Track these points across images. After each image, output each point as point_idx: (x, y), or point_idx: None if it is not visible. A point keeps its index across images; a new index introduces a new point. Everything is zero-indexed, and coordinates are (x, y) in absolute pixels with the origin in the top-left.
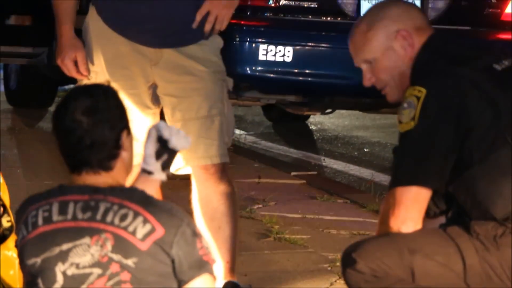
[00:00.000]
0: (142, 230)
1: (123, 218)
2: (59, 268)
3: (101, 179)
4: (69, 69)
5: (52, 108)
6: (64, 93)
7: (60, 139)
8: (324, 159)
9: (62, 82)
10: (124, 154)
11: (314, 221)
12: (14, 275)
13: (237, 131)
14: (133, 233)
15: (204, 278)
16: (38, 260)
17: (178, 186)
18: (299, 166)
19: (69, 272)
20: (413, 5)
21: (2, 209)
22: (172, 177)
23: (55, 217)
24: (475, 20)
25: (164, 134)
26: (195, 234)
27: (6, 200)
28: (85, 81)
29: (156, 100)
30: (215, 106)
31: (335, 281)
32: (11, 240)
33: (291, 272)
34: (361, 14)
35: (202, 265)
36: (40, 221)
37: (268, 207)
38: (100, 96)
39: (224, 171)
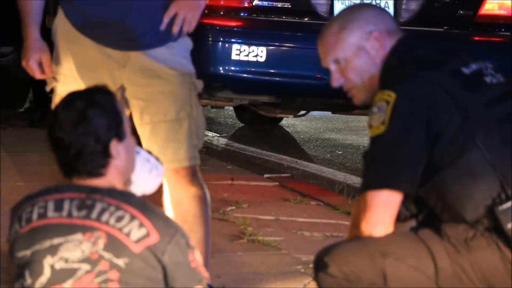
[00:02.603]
0: (137, 233)
1: (119, 219)
2: (48, 261)
3: (94, 183)
4: (33, 71)
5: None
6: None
7: (51, 146)
8: (297, 162)
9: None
10: (116, 162)
11: (287, 223)
12: None
13: (210, 133)
14: (128, 234)
15: None
16: (28, 252)
17: None
18: (272, 168)
19: (57, 266)
20: (384, 9)
21: None
22: None
23: (50, 213)
24: (449, 22)
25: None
26: (189, 246)
27: None
28: (53, 83)
29: (125, 103)
30: (183, 109)
31: (308, 283)
32: None
33: (264, 274)
34: (334, 14)
35: (195, 276)
36: (34, 217)
37: (241, 209)
38: (87, 108)
39: (194, 174)
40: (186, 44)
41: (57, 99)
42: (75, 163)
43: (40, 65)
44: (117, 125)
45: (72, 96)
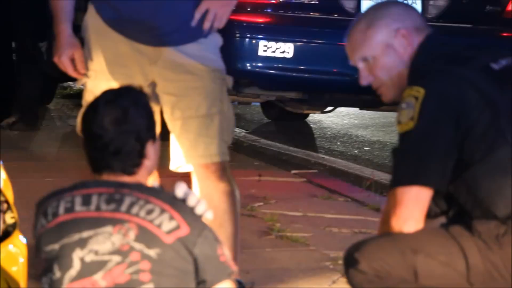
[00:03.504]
0: (168, 225)
1: (149, 212)
2: (77, 254)
3: (123, 180)
4: (66, 67)
5: (51, 106)
6: (63, 90)
7: (86, 142)
8: (324, 158)
9: (62, 79)
10: (147, 162)
11: (315, 219)
12: (17, 271)
13: (237, 129)
14: (159, 226)
15: (226, 285)
16: (56, 246)
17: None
18: (299, 164)
19: (87, 259)
20: (411, 6)
21: (6, 205)
22: (172, 175)
23: (78, 207)
24: (476, 18)
25: (176, 191)
26: (217, 240)
27: (10, 197)
28: (84, 79)
29: (155, 98)
30: (214, 104)
31: (337, 279)
32: (15, 237)
33: (293, 270)
34: (361, 11)
35: (225, 269)
36: (61, 211)
37: (269, 205)
38: (131, 107)
39: (224, 170)
40: (217, 40)
41: (87, 94)
42: (112, 160)
43: (73, 61)
44: (153, 126)
45: (114, 94)
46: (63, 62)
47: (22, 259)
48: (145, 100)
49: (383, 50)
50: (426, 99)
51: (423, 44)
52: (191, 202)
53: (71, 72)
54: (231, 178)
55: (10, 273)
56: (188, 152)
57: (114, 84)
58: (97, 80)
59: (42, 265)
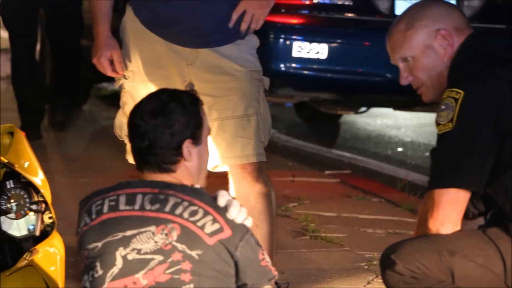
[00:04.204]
0: (211, 227)
1: (193, 214)
2: (120, 253)
3: (164, 179)
4: (104, 68)
5: (85, 107)
6: (97, 91)
7: (129, 134)
8: (357, 158)
9: (96, 80)
10: (187, 163)
11: (349, 220)
12: (56, 271)
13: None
14: (202, 227)
15: None
16: (99, 244)
17: (215, 184)
18: (332, 165)
19: (130, 257)
20: (453, 5)
21: (44, 205)
22: (208, 175)
23: (122, 206)
24: (511, 18)
25: (219, 201)
26: (259, 245)
27: (48, 197)
28: (122, 80)
29: None
30: (251, 105)
31: (372, 279)
32: (53, 237)
33: (327, 271)
34: (395, 11)
35: (266, 273)
36: (105, 209)
37: (303, 206)
38: (170, 102)
39: (260, 170)
40: (254, 41)
41: (125, 95)
42: (147, 154)
43: (111, 62)
44: (195, 127)
45: (159, 90)
46: (102, 63)
47: (60, 259)
48: (189, 100)
49: (423, 51)
50: (466, 101)
51: (463, 45)
52: (232, 212)
53: (109, 73)
54: (267, 179)
55: (48, 272)
56: (225, 152)
57: (152, 85)
58: (135, 81)
59: (84, 262)
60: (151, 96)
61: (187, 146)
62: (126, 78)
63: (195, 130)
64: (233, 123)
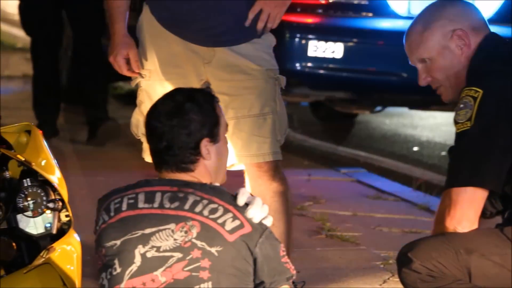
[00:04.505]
0: (231, 224)
1: (213, 211)
2: (139, 250)
3: (183, 178)
4: (120, 67)
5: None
6: (112, 90)
7: (146, 135)
8: (373, 157)
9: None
10: (206, 162)
11: (365, 219)
12: (72, 269)
13: None
14: (222, 225)
15: None
16: (118, 242)
17: (231, 183)
18: (348, 164)
19: (149, 255)
20: (470, 5)
21: (60, 203)
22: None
23: (141, 204)
24: None
25: (239, 200)
26: (278, 241)
27: (65, 195)
28: (138, 79)
29: None
30: (267, 104)
31: (388, 278)
32: (70, 235)
33: (343, 269)
34: (411, 11)
35: (284, 272)
36: (124, 207)
37: (319, 205)
38: (185, 102)
39: (276, 169)
40: (270, 40)
41: (141, 94)
42: (165, 154)
43: (127, 61)
44: (212, 126)
45: (174, 90)
46: (118, 61)
47: (77, 257)
48: (205, 98)
49: (440, 51)
50: (484, 99)
51: (481, 45)
52: (251, 211)
53: (125, 72)
54: (283, 178)
55: (65, 270)
56: (241, 151)
57: (168, 84)
58: (151, 80)
59: (101, 260)
60: (166, 97)
61: (205, 145)
62: (142, 77)
63: (212, 129)
64: (249, 121)
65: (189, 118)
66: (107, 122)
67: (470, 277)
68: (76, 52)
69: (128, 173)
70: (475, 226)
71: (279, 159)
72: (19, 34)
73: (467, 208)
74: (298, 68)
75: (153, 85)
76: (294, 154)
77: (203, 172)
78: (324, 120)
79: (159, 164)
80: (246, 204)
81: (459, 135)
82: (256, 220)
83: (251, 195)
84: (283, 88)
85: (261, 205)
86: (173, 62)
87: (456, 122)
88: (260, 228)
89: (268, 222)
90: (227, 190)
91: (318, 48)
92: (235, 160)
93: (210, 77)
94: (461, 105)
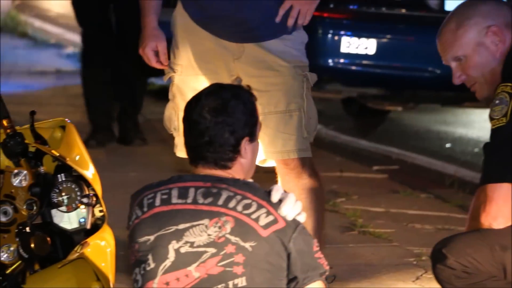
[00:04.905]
0: (265, 219)
1: (247, 207)
2: (173, 246)
3: (218, 174)
4: (149, 59)
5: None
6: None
7: (185, 130)
8: (405, 154)
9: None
10: (242, 160)
11: (397, 215)
12: (106, 264)
13: (318, 126)
14: (256, 220)
15: (317, 285)
16: (151, 237)
17: (262, 178)
18: (380, 160)
19: (183, 250)
20: (502, 2)
21: (94, 199)
22: (256, 170)
23: (174, 200)
24: None
25: (272, 196)
26: (312, 236)
27: (98, 190)
28: (171, 74)
29: None
30: (294, 101)
31: (421, 275)
32: (104, 230)
33: (376, 266)
34: (445, 7)
35: (317, 267)
36: (157, 202)
37: (351, 201)
38: (231, 100)
39: (304, 166)
40: (301, 37)
41: (174, 89)
42: (205, 150)
43: (157, 53)
44: (253, 125)
45: (218, 86)
46: (147, 53)
47: (111, 252)
48: (248, 97)
49: (475, 49)
50: None
51: None
52: (285, 208)
53: (154, 64)
54: (313, 174)
55: (99, 265)
56: (267, 147)
57: (200, 79)
58: (183, 75)
59: (135, 256)
60: (210, 93)
61: (244, 144)
62: (174, 72)
63: (253, 128)
64: (275, 118)
65: (235, 116)
66: (139, 118)
67: (505, 273)
68: (118, 46)
69: (159, 168)
70: (510, 222)
71: (305, 156)
72: (53, 30)
73: (503, 205)
74: (331, 64)
75: (185, 80)
76: (326, 151)
77: (239, 169)
78: (356, 116)
79: (196, 159)
80: (280, 201)
81: (494, 131)
82: (289, 217)
83: (285, 191)
84: (312, 85)
85: (294, 202)
86: (204, 58)
87: (491, 118)
88: (293, 224)
89: (302, 218)
90: (260, 187)
91: (351, 44)
92: (264, 157)
93: (240, 73)
94: (497, 101)
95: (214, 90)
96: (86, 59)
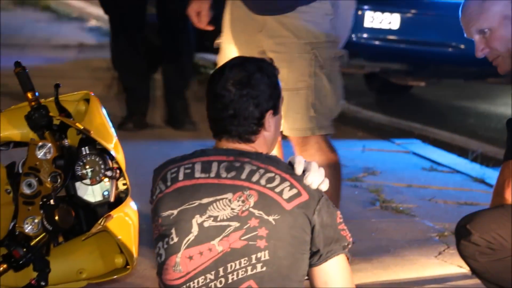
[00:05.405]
0: (289, 192)
1: (270, 180)
2: (196, 220)
3: (241, 148)
4: (192, 19)
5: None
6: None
7: (208, 103)
8: (427, 129)
9: None
10: (266, 133)
11: (420, 191)
12: (129, 237)
13: None
14: (280, 193)
15: (340, 259)
16: (175, 211)
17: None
18: (402, 135)
19: (206, 224)
20: None
21: (118, 172)
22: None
23: (197, 174)
24: None
25: (296, 169)
26: (336, 208)
27: (122, 164)
28: (219, 40)
29: None
30: (301, 79)
31: (444, 250)
32: (127, 203)
33: (398, 241)
34: None
35: (340, 240)
36: (180, 176)
37: (374, 176)
38: (256, 73)
39: (315, 144)
40: (324, 8)
41: (221, 54)
42: (229, 123)
43: (199, 14)
44: (277, 98)
45: (242, 59)
46: (189, 14)
47: (134, 225)
48: (271, 70)
49: (501, 21)
50: None
51: None
52: (309, 178)
53: (196, 24)
54: (328, 151)
55: (122, 238)
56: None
57: (234, 48)
58: (226, 43)
59: (158, 230)
60: (234, 65)
61: (268, 117)
62: (221, 38)
63: (277, 101)
64: (285, 95)
65: (260, 89)
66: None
67: None
68: (161, 30)
69: (181, 142)
70: None
71: (312, 134)
72: (75, 4)
73: None
74: (354, 39)
75: (225, 48)
76: (348, 126)
77: (262, 143)
78: (378, 91)
79: (219, 132)
80: (303, 173)
81: None
82: (314, 186)
83: (306, 160)
84: (344, 61)
85: (317, 169)
86: (238, 27)
87: None
88: (317, 195)
89: (325, 186)
90: (282, 160)
91: (375, 19)
92: None
93: (264, 46)
94: None
95: (238, 62)
96: (116, 47)
